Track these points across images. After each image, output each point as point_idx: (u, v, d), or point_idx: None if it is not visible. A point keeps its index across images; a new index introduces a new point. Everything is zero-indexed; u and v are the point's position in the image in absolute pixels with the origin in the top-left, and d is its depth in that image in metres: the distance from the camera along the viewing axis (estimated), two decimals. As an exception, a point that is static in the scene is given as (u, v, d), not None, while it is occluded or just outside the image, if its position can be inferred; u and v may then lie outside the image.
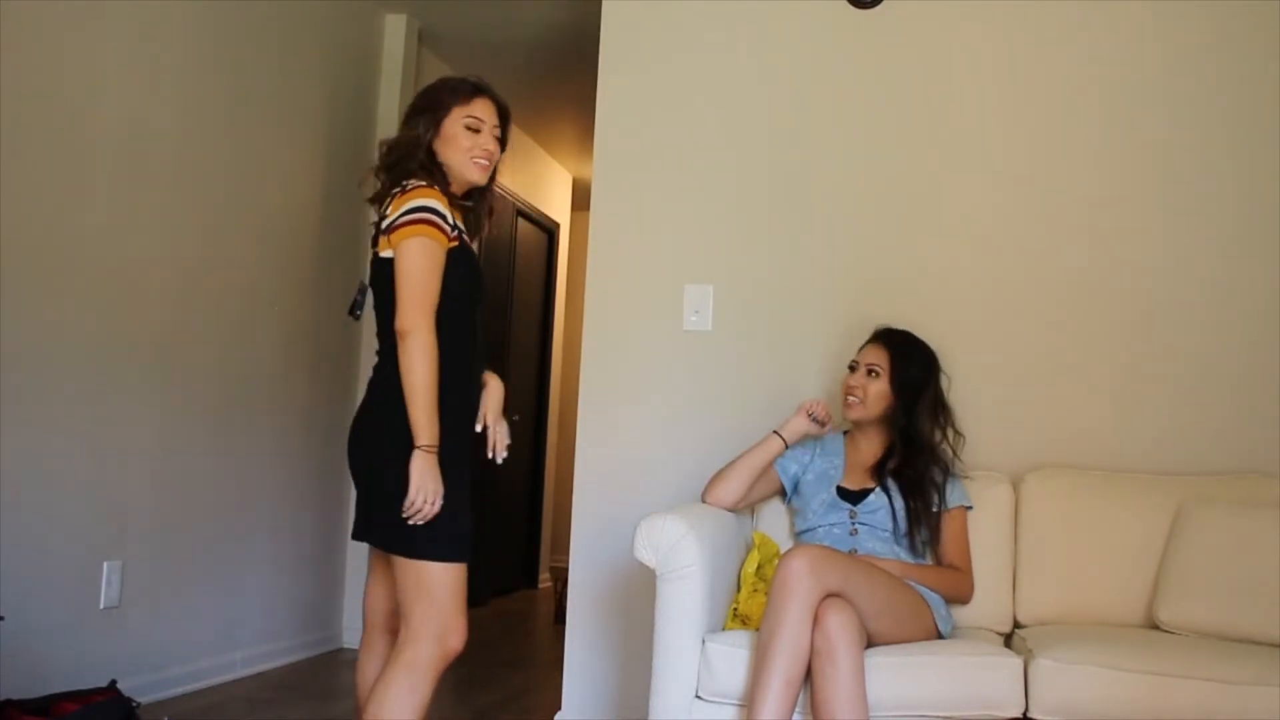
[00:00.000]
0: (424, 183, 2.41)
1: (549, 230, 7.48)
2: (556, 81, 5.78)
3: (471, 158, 2.47)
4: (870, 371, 2.98)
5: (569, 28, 5.10)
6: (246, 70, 4.17)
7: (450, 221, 2.40)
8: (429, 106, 2.49)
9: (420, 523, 2.30)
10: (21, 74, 3.20)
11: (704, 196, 3.59)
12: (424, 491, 2.28)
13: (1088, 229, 3.35)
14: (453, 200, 2.47)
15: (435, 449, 2.30)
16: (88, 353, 3.47)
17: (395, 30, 5.11)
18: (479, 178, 2.51)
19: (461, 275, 2.42)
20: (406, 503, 2.29)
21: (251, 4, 4.17)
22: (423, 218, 2.35)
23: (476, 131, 2.47)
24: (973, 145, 3.44)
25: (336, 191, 4.77)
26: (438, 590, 2.32)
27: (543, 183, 7.23)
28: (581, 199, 7.57)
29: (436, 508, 2.29)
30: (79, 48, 3.41)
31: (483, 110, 2.49)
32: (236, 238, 4.15)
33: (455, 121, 2.47)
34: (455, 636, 2.34)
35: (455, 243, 2.41)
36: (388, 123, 5.04)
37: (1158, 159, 3.33)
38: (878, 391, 2.96)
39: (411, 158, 2.46)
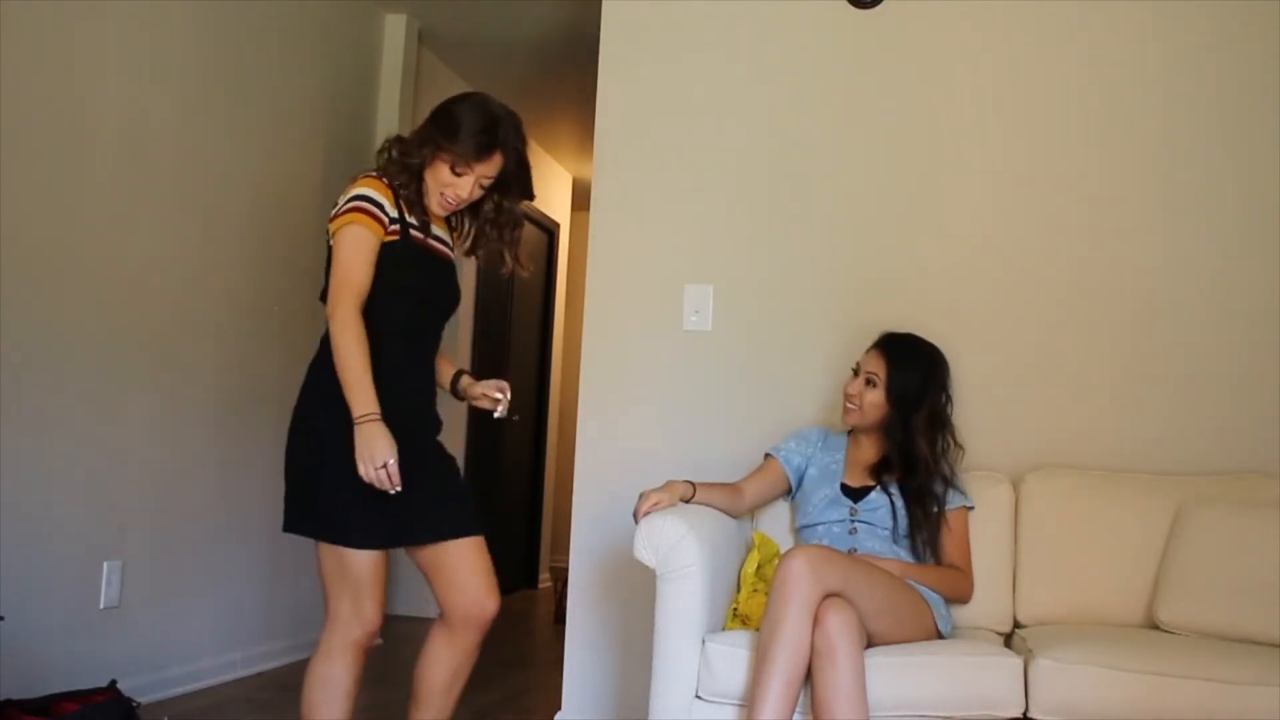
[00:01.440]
0: (374, 173, 2.50)
1: (549, 230, 7.47)
2: (556, 81, 5.78)
3: (440, 193, 2.52)
4: (869, 381, 2.95)
5: (569, 28, 5.10)
6: (246, 70, 4.17)
7: (390, 214, 2.46)
8: (440, 135, 2.49)
9: (387, 489, 2.33)
10: (21, 74, 3.20)
11: (704, 196, 3.59)
12: (369, 461, 2.32)
13: (1088, 229, 3.35)
14: (413, 204, 2.51)
15: (374, 416, 2.33)
16: (88, 352, 3.47)
17: (395, 30, 5.11)
18: (438, 210, 2.56)
19: (406, 274, 2.47)
20: (360, 473, 2.33)
21: (251, 4, 4.17)
22: (357, 206, 2.44)
23: (457, 175, 2.50)
24: (973, 145, 3.44)
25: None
26: (348, 576, 2.39)
27: (543, 183, 7.16)
28: (581, 199, 7.57)
29: (392, 472, 2.32)
30: (79, 48, 3.41)
31: (484, 166, 2.51)
32: (237, 237, 4.15)
33: (447, 158, 2.50)
34: (371, 621, 2.41)
35: (394, 236, 2.46)
36: (388, 122, 5.05)
37: (1158, 159, 3.33)
38: (873, 401, 2.95)
39: (403, 159, 2.52)
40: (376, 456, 2.32)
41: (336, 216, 2.45)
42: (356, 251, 2.42)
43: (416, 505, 2.44)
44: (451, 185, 2.50)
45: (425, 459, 2.52)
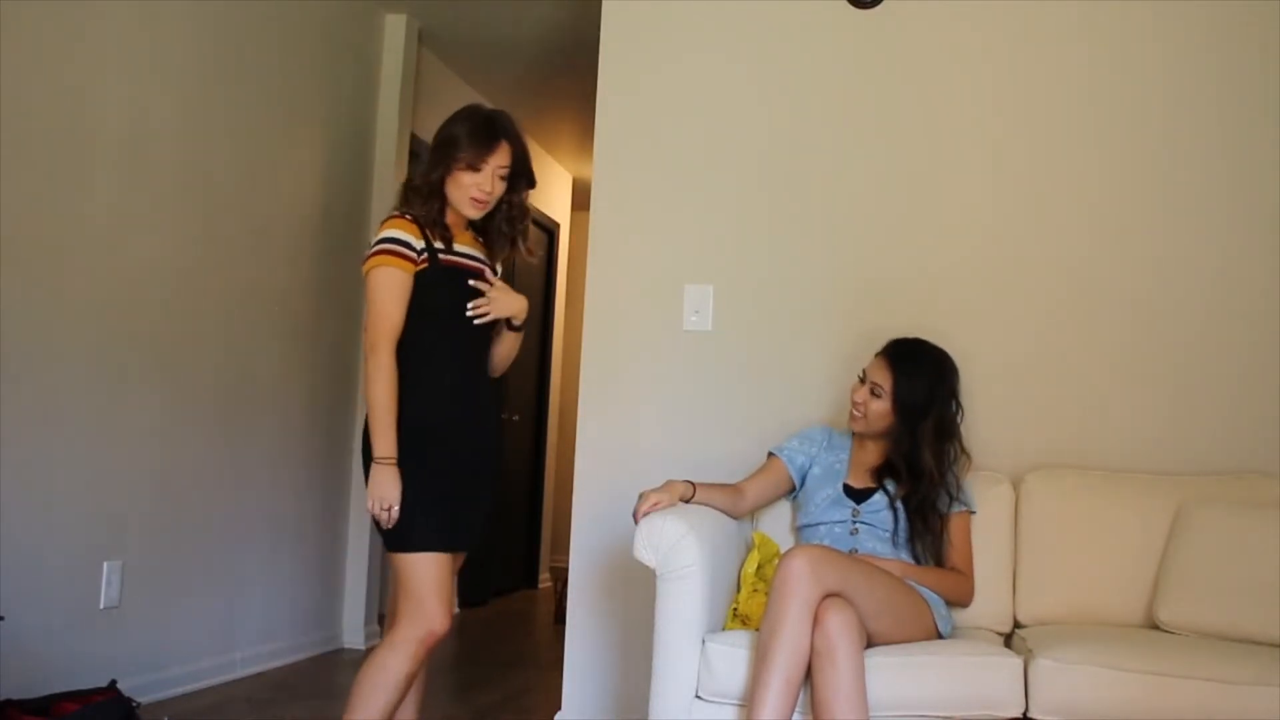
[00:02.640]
0: (398, 212, 2.62)
1: (549, 230, 7.47)
2: (556, 81, 5.78)
3: (469, 196, 2.62)
4: (874, 390, 2.93)
5: (569, 28, 5.10)
6: (246, 70, 4.17)
7: (417, 248, 2.57)
8: (447, 148, 2.62)
9: (386, 527, 2.53)
10: (22, 74, 3.20)
11: (704, 197, 3.59)
12: (376, 500, 2.52)
13: (1087, 229, 3.35)
14: (434, 224, 2.61)
15: (391, 460, 2.51)
16: (88, 352, 3.47)
17: (395, 30, 5.11)
18: (472, 214, 2.66)
19: (435, 296, 2.59)
20: (366, 508, 2.55)
21: (251, 4, 4.17)
22: (384, 248, 2.56)
23: (476, 170, 2.60)
24: (972, 145, 3.44)
25: (337, 191, 4.77)
26: (410, 581, 2.53)
27: (543, 183, 7.17)
28: (581, 199, 7.57)
29: (393, 515, 2.50)
30: (79, 48, 3.41)
31: (496, 157, 2.62)
32: (237, 238, 4.15)
33: (460, 163, 2.61)
34: (434, 621, 2.51)
35: (424, 264, 2.57)
36: (388, 123, 5.05)
37: (1158, 159, 3.33)
38: (878, 411, 2.93)
39: (417, 191, 2.65)
40: (385, 499, 2.50)
41: (366, 259, 2.58)
42: (387, 292, 2.55)
43: (466, 511, 2.63)
44: (475, 182, 2.60)
45: (480, 467, 2.67)
